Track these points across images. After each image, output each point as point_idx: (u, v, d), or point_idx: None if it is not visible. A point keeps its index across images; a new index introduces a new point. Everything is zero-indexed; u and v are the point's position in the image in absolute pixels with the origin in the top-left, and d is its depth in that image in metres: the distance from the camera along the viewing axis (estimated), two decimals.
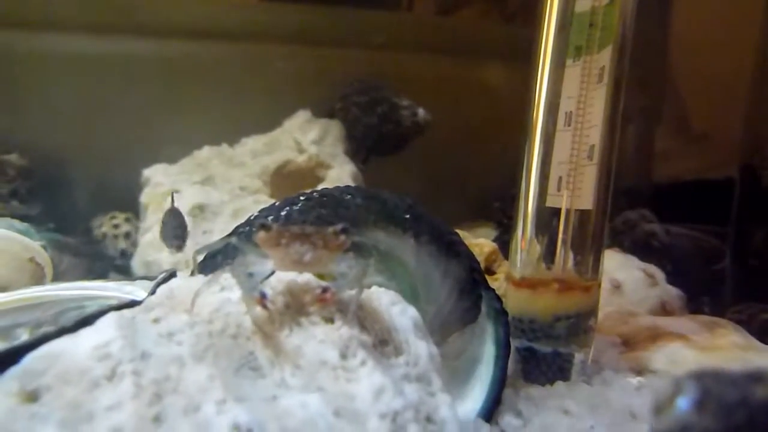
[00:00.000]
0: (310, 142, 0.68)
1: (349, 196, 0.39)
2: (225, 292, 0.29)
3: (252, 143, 0.69)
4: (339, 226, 0.27)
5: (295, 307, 0.28)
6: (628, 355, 0.45)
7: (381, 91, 0.72)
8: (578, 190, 0.42)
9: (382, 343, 0.27)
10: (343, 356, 0.26)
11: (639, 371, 0.43)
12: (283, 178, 0.67)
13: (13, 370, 0.25)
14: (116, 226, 0.71)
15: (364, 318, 0.28)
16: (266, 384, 0.25)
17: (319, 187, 0.67)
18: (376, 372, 0.25)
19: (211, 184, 0.65)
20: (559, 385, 0.38)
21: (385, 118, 0.70)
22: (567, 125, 0.43)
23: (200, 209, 0.60)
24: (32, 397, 0.25)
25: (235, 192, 0.63)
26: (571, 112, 0.43)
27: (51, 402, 0.24)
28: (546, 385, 0.39)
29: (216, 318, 0.27)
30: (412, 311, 0.29)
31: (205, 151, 0.68)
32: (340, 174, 0.67)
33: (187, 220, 0.58)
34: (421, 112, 0.73)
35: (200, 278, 0.30)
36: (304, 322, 0.27)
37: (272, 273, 0.29)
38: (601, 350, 0.45)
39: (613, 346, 0.46)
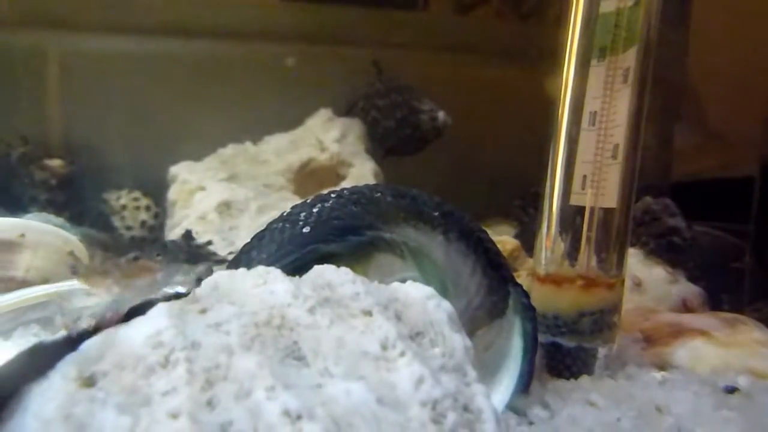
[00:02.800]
0: (331, 141, 0.69)
1: (379, 194, 0.40)
2: (268, 285, 0.30)
3: (275, 141, 0.71)
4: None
5: (335, 300, 0.29)
6: (650, 351, 0.45)
7: (403, 94, 0.73)
8: (602, 189, 0.42)
9: (419, 335, 0.29)
10: (383, 347, 0.27)
11: (661, 366, 0.44)
12: (305, 176, 0.68)
13: (71, 357, 0.27)
14: (136, 199, 0.73)
15: (400, 311, 0.29)
16: (311, 373, 0.26)
17: (342, 184, 0.69)
18: (415, 362, 0.26)
19: (236, 181, 0.66)
20: (584, 378, 0.39)
21: (403, 121, 0.72)
22: (591, 125, 0.44)
23: (227, 206, 0.62)
24: (89, 382, 0.26)
25: (259, 189, 0.65)
26: (595, 111, 0.43)
27: (108, 387, 0.26)
28: (570, 379, 0.40)
29: (260, 310, 0.28)
30: (446, 305, 0.30)
31: (230, 149, 0.70)
32: (362, 171, 0.68)
33: (214, 216, 0.60)
34: (441, 115, 0.74)
35: (243, 272, 0.31)
36: (343, 314, 0.29)
37: None
38: (624, 346, 0.46)
39: (634, 342, 0.47)
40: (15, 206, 0.78)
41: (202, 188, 0.63)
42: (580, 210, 0.43)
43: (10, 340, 0.39)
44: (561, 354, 0.42)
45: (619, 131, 0.42)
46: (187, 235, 0.61)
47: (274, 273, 0.31)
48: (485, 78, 0.89)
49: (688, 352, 0.44)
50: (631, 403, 0.36)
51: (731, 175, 0.85)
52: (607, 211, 0.42)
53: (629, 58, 0.43)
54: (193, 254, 0.59)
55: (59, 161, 0.81)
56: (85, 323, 0.30)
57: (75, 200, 0.78)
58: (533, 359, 0.36)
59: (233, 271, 0.31)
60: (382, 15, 0.89)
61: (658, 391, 0.38)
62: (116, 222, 0.75)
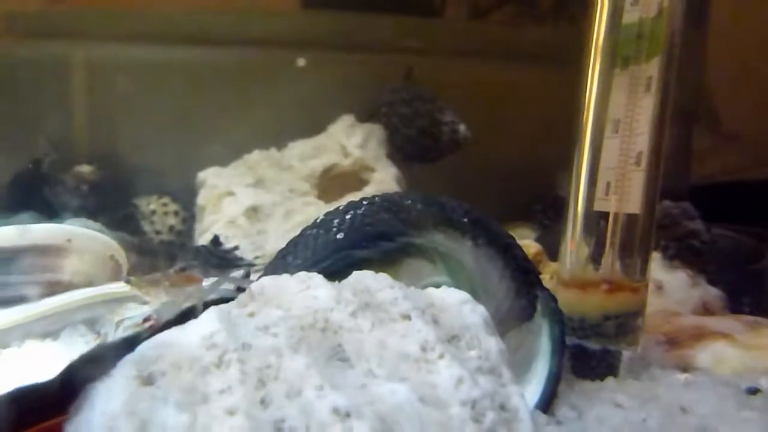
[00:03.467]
0: (354, 146, 0.71)
1: (409, 201, 0.41)
2: (311, 290, 0.31)
3: (299, 147, 0.72)
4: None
5: (374, 305, 0.31)
6: (673, 353, 0.46)
7: (425, 104, 0.74)
8: (626, 195, 0.44)
9: (455, 338, 0.30)
10: (423, 349, 0.28)
11: (684, 368, 0.45)
12: (329, 181, 0.70)
13: (130, 357, 0.29)
14: (165, 204, 0.75)
15: (437, 315, 0.31)
16: (355, 373, 0.28)
17: (364, 189, 0.71)
18: (454, 364, 0.28)
19: (262, 186, 0.68)
20: (610, 380, 0.41)
21: (423, 131, 0.73)
22: (615, 132, 0.45)
23: (254, 210, 0.64)
24: (148, 381, 0.28)
25: (285, 194, 0.67)
26: (618, 119, 0.45)
27: (166, 385, 0.27)
28: (595, 380, 0.42)
29: (305, 313, 0.30)
30: (481, 309, 0.31)
31: (255, 155, 0.72)
32: (384, 177, 0.70)
33: (243, 220, 0.62)
34: (461, 128, 0.75)
35: (287, 277, 0.33)
36: (383, 318, 0.30)
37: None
38: (647, 348, 0.47)
39: (657, 345, 0.48)
40: (48, 212, 0.80)
41: (231, 193, 0.65)
42: (604, 215, 0.44)
43: (58, 340, 0.41)
44: (586, 356, 0.43)
45: (642, 139, 0.43)
46: (215, 241, 0.63)
47: (317, 278, 0.32)
48: (502, 82, 0.90)
49: (711, 354, 0.45)
50: (656, 403, 0.37)
51: (750, 178, 0.85)
52: (631, 217, 0.43)
53: (652, 68, 0.44)
54: (222, 259, 0.61)
55: (89, 168, 0.84)
56: (138, 327, 0.32)
57: (105, 206, 0.81)
58: (561, 361, 0.37)
59: (278, 277, 0.33)
60: (401, 21, 0.90)
61: (682, 392, 0.39)
62: (146, 226, 0.77)
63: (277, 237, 0.60)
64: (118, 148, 0.89)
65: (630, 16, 0.45)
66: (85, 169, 0.84)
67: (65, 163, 0.83)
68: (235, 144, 0.77)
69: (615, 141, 0.44)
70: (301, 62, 0.86)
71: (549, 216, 0.76)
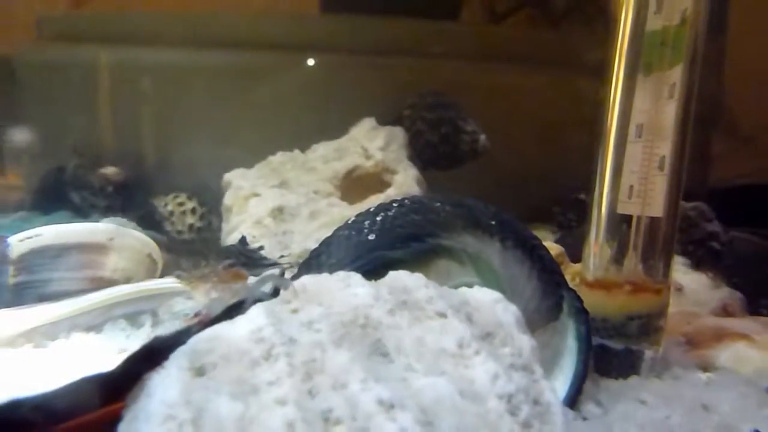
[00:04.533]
0: (376, 149, 0.73)
1: (438, 204, 0.43)
2: (350, 288, 0.33)
3: (322, 149, 0.74)
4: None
5: (411, 303, 0.32)
6: (694, 353, 0.47)
7: (449, 111, 0.76)
8: (649, 199, 0.45)
9: (489, 335, 0.31)
10: (460, 346, 0.30)
11: (705, 368, 0.46)
12: (352, 183, 0.71)
13: (182, 349, 0.30)
14: (181, 204, 0.77)
15: (471, 314, 0.32)
16: (395, 368, 0.29)
17: (387, 191, 0.72)
18: (490, 360, 0.29)
19: (286, 187, 0.70)
20: (634, 378, 0.42)
21: (445, 138, 0.74)
22: (638, 136, 0.46)
23: (280, 211, 0.66)
24: (200, 372, 0.30)
25: (309, 195, 0.68)
26: (642, 124, 0.46)
27: (218, 377, 0.29)
28: (618, 379, 0.43)
29: (346, 310, 0.32)
30: (513, 308, 0.33)
31: (279, 157, 0.74)
32: (405, 179, 0.71)
33: (269, 221, 0.64)
34: (482, 139, 0.76)
35: (327, 275, 0.34)
36: (420, 316, 0.32)
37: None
38: (667, 348, 0.48)
39: (677, 345, 0.49)
40: (77, 213, 0.83)
41: (257, 194, 0.67)
42: (627, 218, 0.45)
43: (101, 333, 0.43)
44: (609, 355, 0.44)
45: (665, 144, 0.44)
46: (242, 241, 0.64)
47: (355, 277, 0.34)
48: (523, 86, 0.91)
49: (731, 354, 0.46)
50: (680, 401, 0.39)
51: (766, 181, 0.86)
52: (654, 220, 0.44)
53: (675, 75, 0.45)
54: (250, 258, 0.63)
55: (113, 169, 0.86)
56: (188, 320, 0.34)
57: (131, 206, 0.83)
58: (587, 360, 0.39)
59: (318, 275, 0.34)
60: (420, 25, 0.91)
61: (705, 391, 0.40)
62: (167, 226, 0.79)
63: (302, 237, 0.61)
64: (142, 149, 0.92)
65: (653, 24, 0.46)
66: (109, 170, 0.86)
67: (91, 165, 0.86)
68: (256, 145, 0.79)
69: (638, 145, 0.45)
70: (317, 65, 0.88)
71: (568, 218, 0.77)
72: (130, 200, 0.85)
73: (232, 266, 0.38)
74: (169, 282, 0.42)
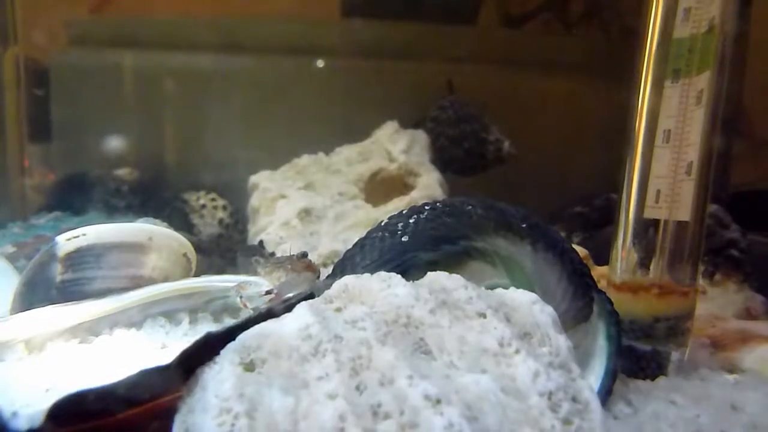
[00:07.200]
0: (399, 152, 0.74)
1: (470, 207, 0.44)
2: (391, 288, 0.34)
3: (346, 152, 0.75)
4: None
5: (451, 303, 0.34)
6: (719, 355, 0.48)
7: (471, 123, 0.77)
8: (677, 203, 0.45)
9: (527, 335, 0.32)
10: (500, 344, 0.31)
11: (730, 370, 0.46)
12: (376, 185, 0.72)
13: (232, 345, 0.32)
14: (213, 199, 0.79)
15: (509, 314, 0.33)
16: (438, 365, 0.30)
17: (410, 193, 0.73)
18: (530, 359, 0.30)
19: (312, 189, 0.71)
20: (662, 379, 0.43)
21: (470, 151, 0.76)
22: (665, 142, 0.47)
23: (306, 212, 0.67)
24: (250, 367, 0.31)
25: (335, 197, 0.70)
26: (669, 130, 0.46)
27: (268, 371, 0.30)
28: (645, 380, 0.44)
29: (388, 309, 0.33)
30: (549, 309, 0.34)
31: (304, 159, 0.75)
32: (428, 181, 0.72)
33: (296, 222, 0.66)
34: (506, 146, 0.77)
35: (368, 276, 0.35)
36: (460, 316, 0.33)
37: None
38: (693, 350, 0.48)
39: (702, 347, 0.50)
40: (104, 213, 0.85)
41: (284, 196, 0.68)
42: (654, 222, 0.46)
43: (142, 330, 0.45)
44: (636, 356, 0.45)
45: (693, 149, 0.45)
46: (260, 244, 0.66)
47: (396, 278, 0.35)
48: (546, 89, 0.92)
49: (757, 356, 0.47)
50: (708, 401, 0.39)
51: None
52: (680, 224, 0.45)
53: (702, 81, 0.45)
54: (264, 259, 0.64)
55: (126, 170, 0.88)
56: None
57: (146, 204, 0.85)
58: (617, 360, 0.39)
59: (359, 276, 0.36)
60: (441, 30, 0.93)
61: (732, 391, 0.41)
62: (195, 220, 0.81)
63: (329, 238, 0.62)
64: (162, 150, 0.93)
65: (681, 32, 0.46)
66: (122, 171, 0.88)
67: (108, 166, 0.88)
68: (278, 148, 0.81)
69: (666, 151, 0.46)
70: (338, 69, 0.89)
71: (592, 221, 0.77)
72: (149, 199, 0.87)
73: (305, 255, 0.40)
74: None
